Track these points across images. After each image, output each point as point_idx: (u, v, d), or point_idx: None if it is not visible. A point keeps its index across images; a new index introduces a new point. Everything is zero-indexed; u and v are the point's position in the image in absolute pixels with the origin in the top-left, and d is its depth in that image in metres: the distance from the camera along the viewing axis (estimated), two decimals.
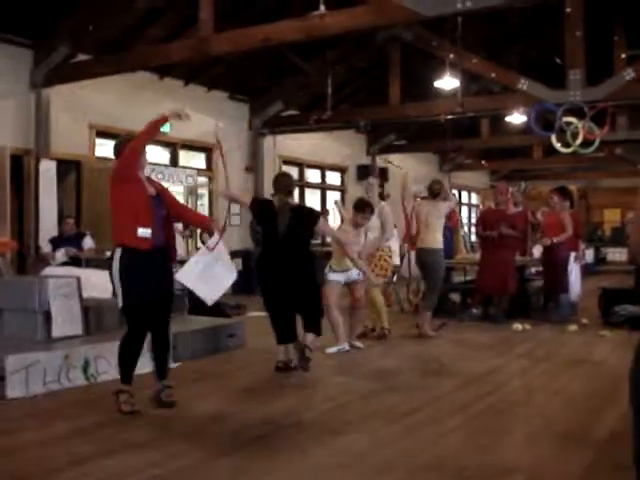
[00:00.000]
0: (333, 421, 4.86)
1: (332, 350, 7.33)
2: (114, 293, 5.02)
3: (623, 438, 4.51)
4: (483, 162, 20.98)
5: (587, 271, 10.27)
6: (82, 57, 10.91)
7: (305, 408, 5.21)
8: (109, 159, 12.05)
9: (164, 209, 5.10)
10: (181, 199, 13.63)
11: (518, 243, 10.03)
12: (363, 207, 7.60)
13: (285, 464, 4.02)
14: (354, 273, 7.43)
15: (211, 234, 5.58)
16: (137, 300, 4.90)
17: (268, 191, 13.77)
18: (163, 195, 5.21)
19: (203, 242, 13.66)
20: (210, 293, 5.38)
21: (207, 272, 5.27)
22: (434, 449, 4.27)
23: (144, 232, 4.85)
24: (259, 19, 9.09)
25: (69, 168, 11.55)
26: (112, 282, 4.95)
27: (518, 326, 9.02)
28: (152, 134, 4.97)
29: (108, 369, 6.04)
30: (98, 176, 11.24)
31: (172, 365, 6.52)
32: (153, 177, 12.34)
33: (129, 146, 4.92)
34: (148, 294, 4.93)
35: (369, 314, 8.37)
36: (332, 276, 7.52)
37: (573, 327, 9.05)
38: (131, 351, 5.04)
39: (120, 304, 4.92)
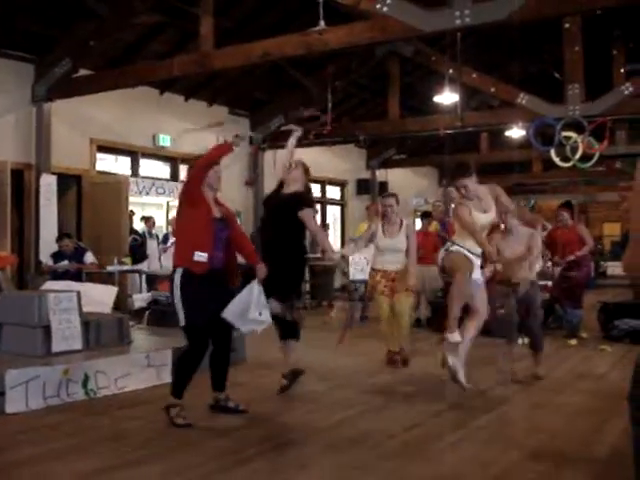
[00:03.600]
0: (334, 436, 4.84)
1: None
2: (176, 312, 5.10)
3: (624, 455, 4.50)
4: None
5: (587, 285, 10.21)
6: (83, 72, 10.95)
7: (305, 423, 5.19)
8: (109, 173, 12.19)
9: (227, 232, 5.23)
10: None
11: None
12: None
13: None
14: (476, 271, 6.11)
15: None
16: (195, 320, 5.01)
17: None
18: (229, 218, 5.34)
19: None
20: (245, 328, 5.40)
21: (245, 314, 5.22)
22: (434, 464, 4.25)
23: (200, 256, 4.97)
24: (259, 34, 9.14)
25: (70, 182, 11.58)
26: (173, 302, 5.07)
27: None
28: (218, 156, 5.15)
29: (108, 384, 6.04)
30: (99, 190, 11.28)
31: (170, 380, 6.53)
32: (154, 192, 12.50)
33: (196, 164, 5.21)
34: (205, 315, 5.05)
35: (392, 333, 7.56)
36: None
37: (573, 341, 9.05)
38: (190, 367, 5.15)
39: (181, 323, 5.05)
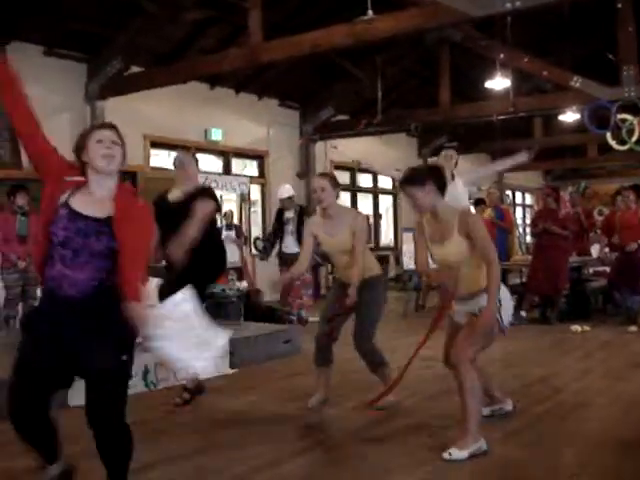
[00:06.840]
0: (394, 426, 4.85)
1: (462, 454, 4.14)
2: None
3: None
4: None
5: None
6: (135, 69, 11.10)
7: (357, 417, 5.21)
8: (164, 169, 12.29)
9: None
10: (234, 207, 13.76)
11: (569, 243, 9.86)
12: None
13: (348, 468, 4.06)
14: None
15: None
16: None
17: None
18: None
19: (257, 249, 13.69)
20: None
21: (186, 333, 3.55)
22: (494, 452, 4.23)
23: None
24: (308, 26, 9.13)
25: (125, 179, 11.60)
26: None
27: (577, 328, 8.89)
28: None
29: (167, 377, 6.12)
30: (153, 186, 11.41)
31: (229, 371, 6.62)
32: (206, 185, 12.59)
33: None
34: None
35: None
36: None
37: (633, 328, 8.88)
38: None
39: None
